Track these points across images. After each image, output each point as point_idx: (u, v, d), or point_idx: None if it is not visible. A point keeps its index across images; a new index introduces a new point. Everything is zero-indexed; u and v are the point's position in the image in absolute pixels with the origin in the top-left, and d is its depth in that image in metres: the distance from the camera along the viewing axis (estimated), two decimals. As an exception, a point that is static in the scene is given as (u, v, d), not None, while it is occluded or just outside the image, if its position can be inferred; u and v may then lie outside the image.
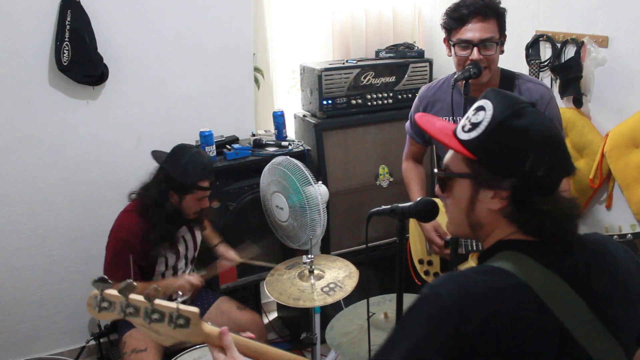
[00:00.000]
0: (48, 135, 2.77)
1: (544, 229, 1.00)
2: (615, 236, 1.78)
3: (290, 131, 3.20)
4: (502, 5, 2.02)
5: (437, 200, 1.35)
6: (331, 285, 2.27)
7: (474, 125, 1.03)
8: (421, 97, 2.30)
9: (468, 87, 2.01)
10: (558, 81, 2.55)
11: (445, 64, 3.13)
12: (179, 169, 2.28)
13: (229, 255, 2.60)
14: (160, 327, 1.08)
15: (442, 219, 1.27)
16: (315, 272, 2.36)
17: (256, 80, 3.16)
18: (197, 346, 2.18)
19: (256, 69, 3.14)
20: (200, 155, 2.36)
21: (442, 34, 2.10)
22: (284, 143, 2.97)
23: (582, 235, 1.08)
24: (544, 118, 1.02)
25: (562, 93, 2.53)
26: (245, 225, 2.89)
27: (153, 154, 2.39)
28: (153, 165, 2.40)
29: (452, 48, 2.04)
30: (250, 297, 3.14)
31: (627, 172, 2.31)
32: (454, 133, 1.08)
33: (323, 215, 2.59)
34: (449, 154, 1.12)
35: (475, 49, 1.96)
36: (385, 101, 3.06)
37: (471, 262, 2.21)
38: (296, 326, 3.07)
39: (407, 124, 2.43)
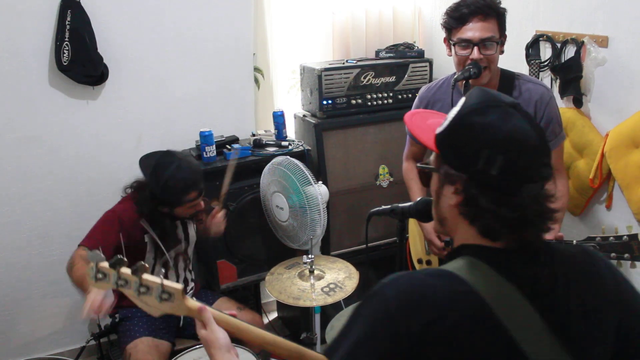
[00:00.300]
0: (48, 135, 2.77)
1: (494, 232, 0.97)
2: (611, 237, 1.77)
3: (290, 131, 3.20)
4: (502, 6, 2.02)
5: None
6: (331, 286, 2.27)
7: (445, 121, 1.03)
8: (421, 97, 2.30)
9: (468, 87, 2.01)
10: (558, 81, 2.55)
11: (445, 64, 3.13)
12: (160, 186, 2.24)
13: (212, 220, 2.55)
14: (148, 299, 1.18)
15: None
16: (316, 272, 2.36)
17: (256, 80, 3.16)
18: (197, 346, 2.19)
19: (256, 69, 3.14)
20: (181, 169, 2.27)
21: (442, 34, 2.10)
22: (284, 143, 2.97)
23: (559, 245, 1.06)
24: (515, 119, 0.96)
25: (562, 93, 2.53)
26: (245, 225, 2.89)
27: (140, 163, 2.35)
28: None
29: (452, 47, 2.04)
30: (250, 297, 3.14)
31: (627, 172, 2.31)
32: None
33: (323, 215, 2.59)
34: None
35: (475, 49, 1.96)
36: (385, 101, 3.06)
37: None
38: (296, 326, 3.07)
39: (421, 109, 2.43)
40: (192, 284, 2.60)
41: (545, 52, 2.63)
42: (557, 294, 0.97)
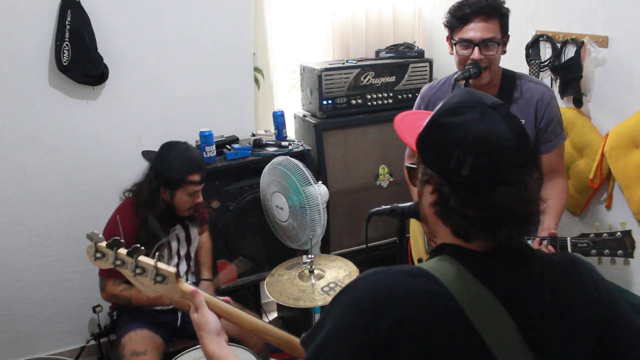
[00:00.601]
0: (48, 135, 2.77)
1: (465, 232, 0.97)
2: (605, 234, 1.77)
3: (290, 131, 3.20)
4: (505, 6, 2.01)
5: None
6: (331, 285, 2.27)
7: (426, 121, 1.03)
8: (422, 96, 2.30)
9: (468, 87, 2.01)
10: (558, 81, 2.55)
11: (445, 64, 3.13)
12: (166, 164, 2.28)
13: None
14: (143, 280, 1.23)
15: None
16: (316, 272, 2.36)
17: (256, 80, 3.16)
18: (197, 346, 2.18)
19: (256, 69, 3.14)
20: (187, 150, 2.35)
21: (442, 34, 2.10)
22: (284, 143, 2.97)
23: (542, 253, 1.04)
24: (492, 119, 0.94)
25: (562, 93, 2.53)
26: (245, 225, 2.89)
27: (143, 154, 2.40)
28: (153, 165, 2.40)
29: (453, 47, 2.04)
30: (250, 297, 3.14)
31: (627, 172, 2.31)
32: None
33: (323, 215, 2.59)
34: None
35: (476, 49, 1.96)
36: (385, 101, 3.06)
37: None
38: (296, 326, 3.07)
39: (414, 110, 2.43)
40: (175, 269, 2.59)
41: (545, 52, 2.63)
42: (532, 302, 0.96)
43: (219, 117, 3.06)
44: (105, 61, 2.74)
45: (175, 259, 2.50)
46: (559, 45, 2.54)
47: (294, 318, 3.19)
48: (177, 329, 2.49)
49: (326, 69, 2.90)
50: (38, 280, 2.91)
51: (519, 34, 2.67)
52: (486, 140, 0.93)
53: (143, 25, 2.82)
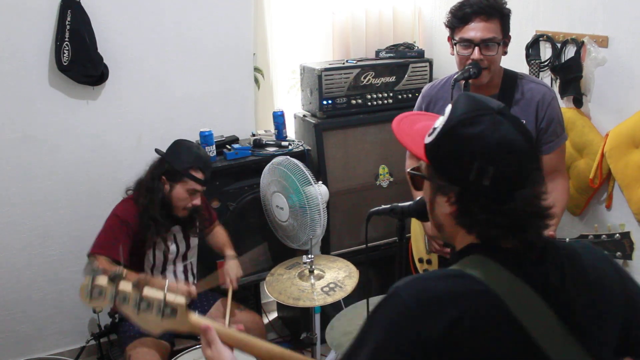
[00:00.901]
0: (48, 135, 2.77)
1: (492, 238, 0.98)
2: (604, 236, 1.77)
3: (290, 131, 3.20)
4: (507, 6, 2.01)
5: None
6: (331, 285, 2.27)
7: (433, 130, 1.03)
8: (424, 95, 2.30)
9: (468, 87, 2.01)
10: (558, 81, 2.55)
11: (445, 64, 3.13)
12: (174, 153, 2.35)
13: (231, 271, 2.50)
14: (148, 316, 1.11)
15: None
16: (315, 272, 2.36)
17: (256, 80, 3.16)
18: (197, 346, 2.19)
19: (256, 69, 3.14)
20: (198, 148, 2.42)
21: (443, 34, 2.10)
22: (284, 143, 2.97)
23: (560, 242, 1.07)
24: (504, 126, 0.96)
25: (562, 93, 2.53)
26: (245, 225, 2.89)
27: (157, 151, 2.43)
28: (153, 165, 2.41)
29: (454, 47, 2.04)
30: (250, 297, 3.14)
31: (627, 172, 2.31)
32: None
33: (323, 215, 2.59)
34: None
35: (476, 49, 1.96)
36: (385, 101, 3.06)
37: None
38: (296, 326, 3.07)
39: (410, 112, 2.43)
40: (192, 287, 2.59)
41: (545, 52, 2.63)
42: (567, 290, 0.98)
43: (219, 117, 3.06)
44: (105, 61, 2.74)
45: (172, 260, 2.49)
46: (559, 45, 2.54)
47: (293, 318, 3.19)
48: None
49: (326, 69, 2.90)
50: (38, 280, 2.91)
51: (519, 34, 2.67)
52: (504, 149, 0.95)
53: (143, 25, 2.83)
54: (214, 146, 2.82)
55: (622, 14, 2.28)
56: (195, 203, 2.36)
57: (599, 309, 1.00)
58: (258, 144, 2.95)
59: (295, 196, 2.60)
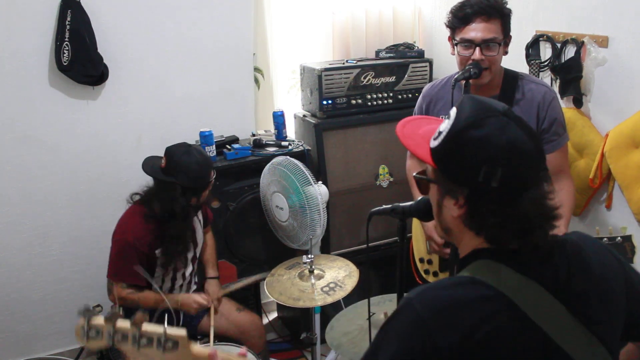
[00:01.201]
0: (48, 135, 2.77)
1: (502, 240, 0.99)
2: (605, 239, 1.78)
3: (290, 131, 3.20)
4: (507, 7, 2.01)
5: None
6: (331, 285, 2.27)
7: (439, 134, 1.03)
8: (424, 94, 2.30)
9: (468, 87, 2.01)
10: (558, 81, 2.55)
11: (445, 64, 3.13)
12: (191, 177, 2.27)
13: (211, 291, 2.54)
14: (149, 351, 1.08)
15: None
16: (315, 272, 2.36)
17: (256, 80, 3.16)
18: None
19: (256, 69, 3.14)
20: (194, 153, 2.32)
21: (443, 34, 2.10)
22: (284, 143, 2.97)
23: (563, 237, 1.08)
24: (510, 127, 0.97)
25: (562, 93, 2.53)
26: (245, 225, 2.89)
27: (151, 171, 2.33)
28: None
29: (455, 47, 2.04)
30: (250, 297, 3.13)
31: (627, 172, 2.31)
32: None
33: (323, 215, 2.59)
34: None
35: (477, 49, 1.96)
36: (385, 101, 3.06)
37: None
38: (296, 326, 3.07)
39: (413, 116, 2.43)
40: (194, 287, 2.60)
41: (545, 52, 2.63)
42: (576, 284, 0.99)
43: (219, 117, 3.06)
44: (105, 61, 2.74)
45: (183, 261, 2.49)
46: (559, 45, 2.55)
47: (293, 318, 3.19)
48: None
49: (326, 69, 2.90)
50: (38, 280, 2.91)
51: (519, 34, 2.66)
52: (512, 151, 0.96)
53: (143, 25, 2.82)
54: (214, 146, 2.82)
55: (622, 14, 2.29)
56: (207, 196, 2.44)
57: (606, 300, 1.01)
58: (258, 144, 2.94)
59: (295, 196, 2.60)
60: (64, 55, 2.63)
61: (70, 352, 3.00)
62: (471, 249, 1.04)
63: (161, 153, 2.38)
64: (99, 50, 2.71)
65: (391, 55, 3.16)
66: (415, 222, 2.48)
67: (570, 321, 0.96)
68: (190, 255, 2.50)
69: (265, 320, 3.24)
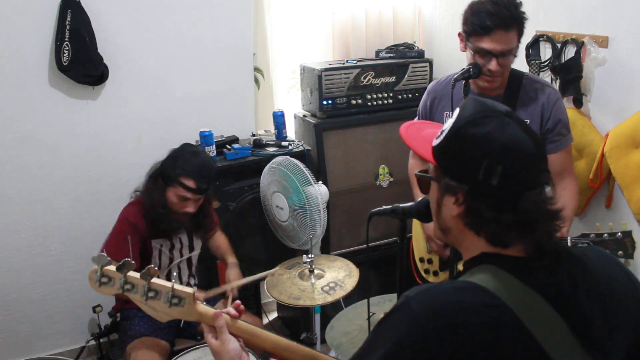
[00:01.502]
0: (48, 135, 2.77)
1: (502, 239, 0.98)
2: (605, 235, 1.77)
3: (290, 131, 3.20)
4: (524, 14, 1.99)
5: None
6: (331, 285, 2.27)
7: (441, 133, 1.04)
8: (429, 91, 2.31)
9: (468, 87, 2.02)
10: (558, 81, 2.55)
11: (445, 64, 3.14)
12: (171, 157, 2.32)
13: (232, 277, 2.55)
14: (156, 304, 1.14)
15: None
16: (316, 271, 2.36)
17: (256, 80, 3.16)
18: (198, 346, 2.19)
19: (256, 69, 3.14)
20: (199, 156, 2.32)
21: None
22: (284, 143, 2.97)
23: (572, 249, 1.07)
24: (512, 128, 0.97)
25: (562, 93, 2.52)
26: (245, 225, 2.89)
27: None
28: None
29: (468, 48, 2.01)
30: (250, 297, 3.14)
31: (627, 172, 2.31)
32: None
33: (323, 215, 2.59)
34: None
35: (494, 60, 1.94)
36: (385, 101, 3.06)
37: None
38: (296, 326, 3.07)
39: (416, 120, 2.43)
40: (194, 289, 2.59)
41: (545, 52, 2.63)
42: (580, 301, 0.97)
43: (219, 117, 3.06)
44: (105, 61, 2.75)
45: (177, 262, 2.49)
46: (559, 45, 2.55)
47: (294, 318, 3.19)
48: (180, 329, 2.49)
49: (326, 69, 2.90)
50: (38, 280, 2.91)
51: (519, 34, 2.67)
52: (512, 149, 0.96)
53: (143, 25, 2.83)
54: (214, 146, 2.82)
55: (622, 14, 2.29)
56: (187, 210, 2.31)
57: (612, 320, 0.99)
58: (258, 144, 2.95)
59: (295, 196, 2.60)
60: (64, 55, 2.63)
61: (70, 352, 3.00)
62: (475, 252, 1.02)
63: (161, 153, 2.39)
64: (99, 50, 2.71)
65: (391, 55, 3.16)
66: (416, 221, 2.48)
67: (569, 340, 0.93)
68: (185, 256, 2.49)
69: (265, 320, 3.24)
